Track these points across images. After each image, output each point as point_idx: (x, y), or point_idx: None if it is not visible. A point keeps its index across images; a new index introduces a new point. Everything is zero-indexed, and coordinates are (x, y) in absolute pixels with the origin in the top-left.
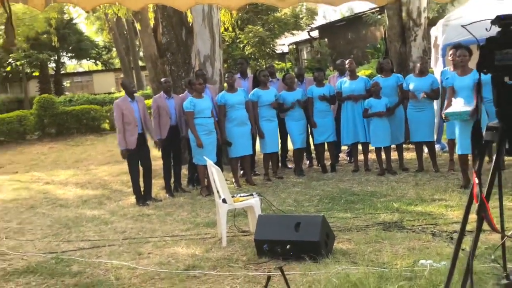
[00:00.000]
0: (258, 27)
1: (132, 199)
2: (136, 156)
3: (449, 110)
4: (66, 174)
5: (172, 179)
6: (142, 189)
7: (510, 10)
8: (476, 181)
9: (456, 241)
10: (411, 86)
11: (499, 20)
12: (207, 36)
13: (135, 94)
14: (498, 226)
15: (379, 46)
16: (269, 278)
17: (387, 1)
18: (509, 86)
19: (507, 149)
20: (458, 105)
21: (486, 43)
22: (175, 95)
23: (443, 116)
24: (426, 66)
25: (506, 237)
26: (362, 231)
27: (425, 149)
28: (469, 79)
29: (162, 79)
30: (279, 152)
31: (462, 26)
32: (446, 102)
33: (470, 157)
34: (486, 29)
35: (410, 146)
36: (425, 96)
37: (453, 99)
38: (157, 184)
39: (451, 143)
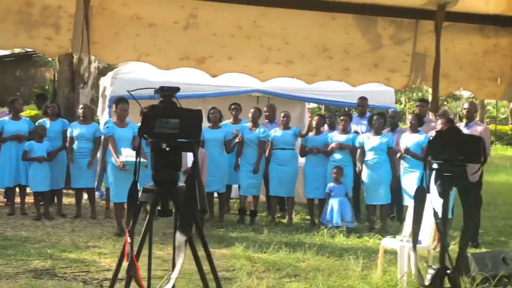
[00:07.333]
0: None
1: None
2: None
3: (126, 159)
4: None
5: None
6: None
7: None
8: (129, 240)
9: None
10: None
11: (162, 91)
12: None
13: None
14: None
15: (47, 87)
16: None
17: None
18: (166, 152)
19: (159, 210)
20: (128, 154)
21: (149, 110)
22: None
23: (121, 165)
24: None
25: None
26: (12, 278)
27: (84, 196)
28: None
29: None
30: None
31: (128, 91)
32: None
33: (125, 206)
34: (150, 95)
35: (70, 191)
36: None
37: (122, 149)
38: None
39: (108, 191)
